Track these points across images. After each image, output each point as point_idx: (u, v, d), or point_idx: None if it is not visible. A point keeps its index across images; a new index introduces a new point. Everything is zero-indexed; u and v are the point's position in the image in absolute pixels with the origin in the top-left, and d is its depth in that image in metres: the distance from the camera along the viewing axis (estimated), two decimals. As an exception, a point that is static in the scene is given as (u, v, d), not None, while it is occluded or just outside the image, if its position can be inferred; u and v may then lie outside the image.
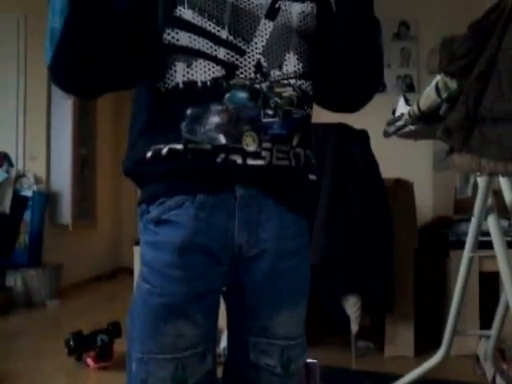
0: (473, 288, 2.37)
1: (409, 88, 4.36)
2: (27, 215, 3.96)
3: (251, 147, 0.78)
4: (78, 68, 0.77)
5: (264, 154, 0.78)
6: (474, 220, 1.73)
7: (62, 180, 4.36)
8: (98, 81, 0.80)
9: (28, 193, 4.02)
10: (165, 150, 0.78)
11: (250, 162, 0.78)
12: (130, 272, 3.28)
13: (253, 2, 0.84)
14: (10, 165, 4.09)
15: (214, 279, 0.81)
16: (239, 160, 0.77)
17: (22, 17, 4.11)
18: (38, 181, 4.19)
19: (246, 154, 0.78)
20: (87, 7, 0.73)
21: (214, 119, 0.77)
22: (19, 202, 3.94)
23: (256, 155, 0.78)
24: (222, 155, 0.77)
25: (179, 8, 0.80)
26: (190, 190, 0.79)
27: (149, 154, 0.79)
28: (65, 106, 4.31)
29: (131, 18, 0.78)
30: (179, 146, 0.77)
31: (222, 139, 0.77)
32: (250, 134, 0.78)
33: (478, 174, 1.51)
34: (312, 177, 0.88)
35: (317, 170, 0.89)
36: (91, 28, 0.74)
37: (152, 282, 0.79)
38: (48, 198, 4.25)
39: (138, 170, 0.82)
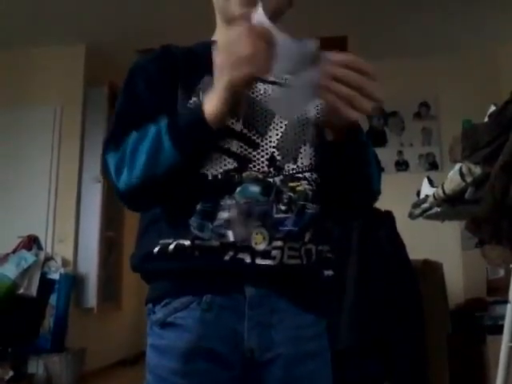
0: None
1: (432, 166, 4.37)
2: (53, 299, 3.94)
3: (260, 246, 0.74)
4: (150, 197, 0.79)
5: (274, 253, 0.74)
6: (510, 307, 1.65)
7: (89, 262, 4.37)
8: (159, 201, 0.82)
9: (55, 276, 4.01)
10: (172, 246, 0.75)
11: (259, 261, 0.74)
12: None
13: (269, 95, 0.81)
14: (40, 248, 4.15)
15: None
16: (248, 259, 0.73)
17: (59, 109, 4.35)
18: (65, 263, 4.22)
19: (254, 253, 0.73)
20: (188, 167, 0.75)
21: (224, 214, 0.74)
22: (46, 285, 3.93)
23: (265, 254, 0.74)
24: (230, 253, 0.73)
25: (193, 99, 0.79)
26: (196, 290, 0.75)
27: (156, 249, 0.77)
28: (94, 190, 4.43)
29: None
30: (187, 243, 0.75)
31: (231, 236, 0.74)
32: (259, 232, 0.74)
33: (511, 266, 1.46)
34: (328, 272, 0.82)
35: (334, 264, 0.83)
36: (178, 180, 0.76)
37: None
38: (74, 281, 4.26)
39: (146, 266, 0.81)
